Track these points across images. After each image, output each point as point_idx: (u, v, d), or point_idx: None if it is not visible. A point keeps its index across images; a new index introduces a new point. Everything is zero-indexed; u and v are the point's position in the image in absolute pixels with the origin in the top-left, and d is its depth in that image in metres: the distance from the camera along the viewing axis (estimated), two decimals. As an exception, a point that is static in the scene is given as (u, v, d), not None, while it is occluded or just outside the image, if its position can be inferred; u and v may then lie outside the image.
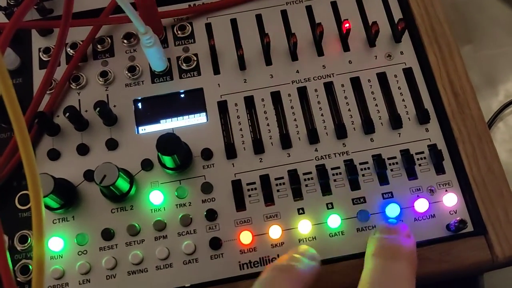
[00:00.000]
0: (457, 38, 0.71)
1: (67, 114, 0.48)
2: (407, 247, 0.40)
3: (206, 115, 0.51)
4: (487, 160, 0.48)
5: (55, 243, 0.47)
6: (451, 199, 0.47)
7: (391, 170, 0.48)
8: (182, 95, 0.52)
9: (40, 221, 0.32)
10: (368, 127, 0.49)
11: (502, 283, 0.60)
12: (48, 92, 0.51)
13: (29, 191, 0.31)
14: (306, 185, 0.48)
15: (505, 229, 0.46)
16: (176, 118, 0.51)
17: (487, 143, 0.49)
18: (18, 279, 0.46)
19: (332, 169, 0.48)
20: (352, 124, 0.50)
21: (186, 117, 0.51)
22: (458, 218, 0.45)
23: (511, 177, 0.63)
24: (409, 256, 0.40)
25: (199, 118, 0.51)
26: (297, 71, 0.52)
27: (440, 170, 0.48)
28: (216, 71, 0.53)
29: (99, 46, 0.54)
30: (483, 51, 0.72)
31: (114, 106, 0.51)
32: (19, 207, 0.48)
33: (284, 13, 0.55)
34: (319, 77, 0.52)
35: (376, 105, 0.51)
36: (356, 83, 0.52)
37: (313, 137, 0.49)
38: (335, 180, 0.48)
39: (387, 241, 0.41)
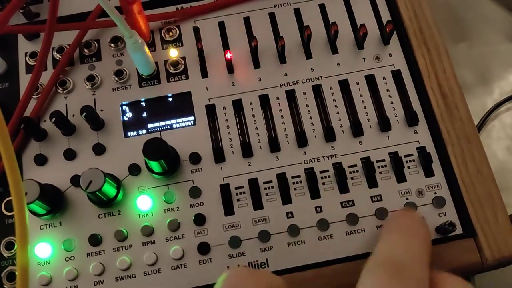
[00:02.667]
0: (450, 36, 0.72)
1: (54, 119, 0.48)
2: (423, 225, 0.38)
3: (194, 118, 0.51)
4: (476, 162, 0.48)
5: (42, 249, 0.46)
6: (440, 202, 0.47)
7: (380, 173, 0.48)
8: (170, 99, 0.52)
9: (23, 229, 0.32)
10: (356, 129, 0.49)
11: (493, 284, 0.60)
12: (34, 96, 0.51)
13: (12, 199, 0.31)
14: (295, 189, 0.48)
15: (494, 231, 0.45)
16: (164, 122, 0.51)
17: (475, 145, 0.49)
18: (5, 286, 0.45)
19: (320, 172, 0.48)
20: (341, 127, 0.50)
21: (174, 121, 0.51)
22: (447, 221, 0.45)
23: (508, 174, 0.64)
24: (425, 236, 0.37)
25: (187, 122, 0.51)
26: (286, 74, 0.52)
27: (429, 172, 0.48)
28: (204, 74, 0.52)
29: (86, 50, 0.53)
30: (477, 49, 0.72)
31: (101, 110, 0.51)
32: (5, 213, 0.48)
33: (272, 16, 0.55)
34: (308, 80, 0.52)
35: (365, 107, 0.50)
36: (344, 85, 0.51)
37: (301, 140, 0.49)
38: (323, 184, 0.48)
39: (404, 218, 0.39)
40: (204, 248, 0.46)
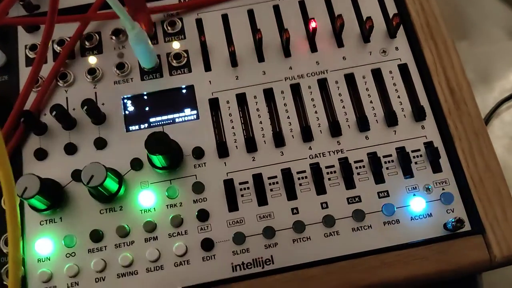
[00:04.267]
0: (452, 34, 0.71)
1: (54, 112, 0.47)
2: None
3: (197, 112, 0.50)
4: (484, 157, 0.47)
5: (43, 245, 0.45)
6: (448, 198, 0.46)
7: (387, 168, 0.47)
8: (173, 93, 0.51)
9: (15, 225, 0.32)
10: (363, 124, 0.48)
11: (501, 282, 0.59)
12: (34, 90, 0.50)
13: (3, 193, 0.32)
14: (300, 184, 0.47)
15: (503, 228, 0.45)
16: (166, 116, 0.50)
17: (484, 140, 0.48)
18: (5, 282, 0.45)
19: (326, 167, 0.47)
20: (347, 121, 0.49)
21: (176, 115, 0.50)
22: (455, 217, 0.44)
23: (508, 173, 0.63)
24: None
25: (190, 116, 0.50)
26: (290, 68, 0.51)
27: (436, 168, 0.47)
28: (207, 67, 0.51)
29: (87, 42, 0.53)
30: (478, 48, 0.72)
31: (103, 104, 0.50)
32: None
33: (276, 8, 0.54)
34: (313, 74, 0.51)
35: (371, 102, 0.50)
36: (350, 79, 0.51)
37: (306, 135, 0.48)
38: (329, 179, 0.47)
39: None
40: (207, 244, 0.45)
